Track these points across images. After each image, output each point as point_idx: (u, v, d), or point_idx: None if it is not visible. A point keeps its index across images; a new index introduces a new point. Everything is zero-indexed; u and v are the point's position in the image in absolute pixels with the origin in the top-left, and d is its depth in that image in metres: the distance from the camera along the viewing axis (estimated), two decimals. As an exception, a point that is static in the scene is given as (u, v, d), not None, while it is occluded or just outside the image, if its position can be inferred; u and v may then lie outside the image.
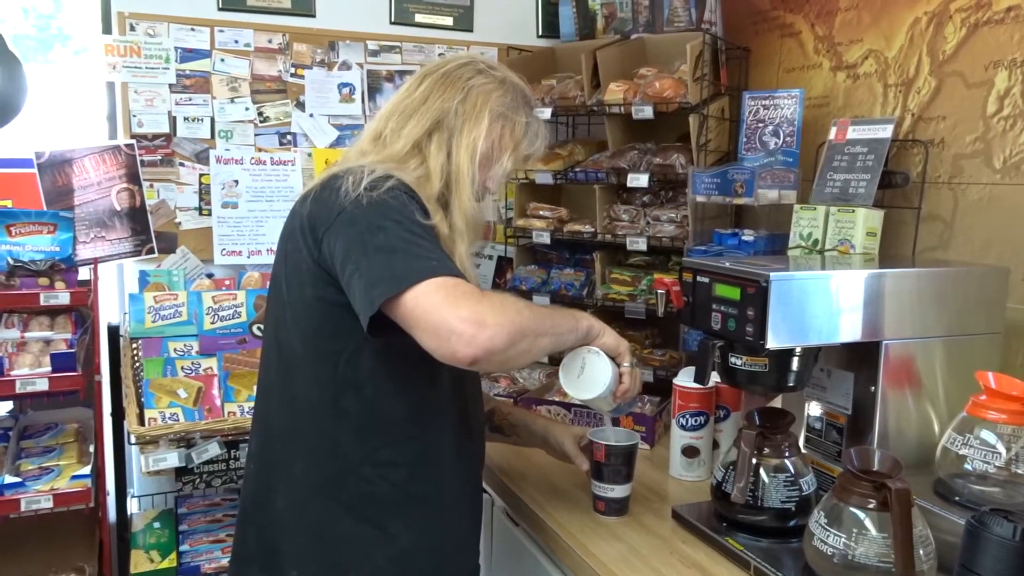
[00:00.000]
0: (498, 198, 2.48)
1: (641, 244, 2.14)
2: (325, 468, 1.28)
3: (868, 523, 1.13)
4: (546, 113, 2.28)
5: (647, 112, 2.09)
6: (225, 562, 2.08)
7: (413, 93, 1.35)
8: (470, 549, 1.42)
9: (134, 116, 2.32)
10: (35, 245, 2.13)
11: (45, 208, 2.19)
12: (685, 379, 1.65)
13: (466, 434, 1.39)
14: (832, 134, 1.83)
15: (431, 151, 1.30)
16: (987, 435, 1.22)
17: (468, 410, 1.40)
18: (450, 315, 1.08)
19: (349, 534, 1.28)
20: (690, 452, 1.65)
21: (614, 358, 1.33)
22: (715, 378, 1.49)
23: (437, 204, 1.28)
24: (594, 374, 1.32)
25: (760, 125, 2.02)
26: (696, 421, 1.64)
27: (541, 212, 2.41)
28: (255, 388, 2.05)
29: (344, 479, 1.28)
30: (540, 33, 2.73)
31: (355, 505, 1.28)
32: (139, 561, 2.08)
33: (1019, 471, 1.20)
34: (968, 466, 1.23)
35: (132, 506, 2.30)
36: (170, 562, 2.08)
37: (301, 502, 1.30)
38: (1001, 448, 1.21)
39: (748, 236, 1.94)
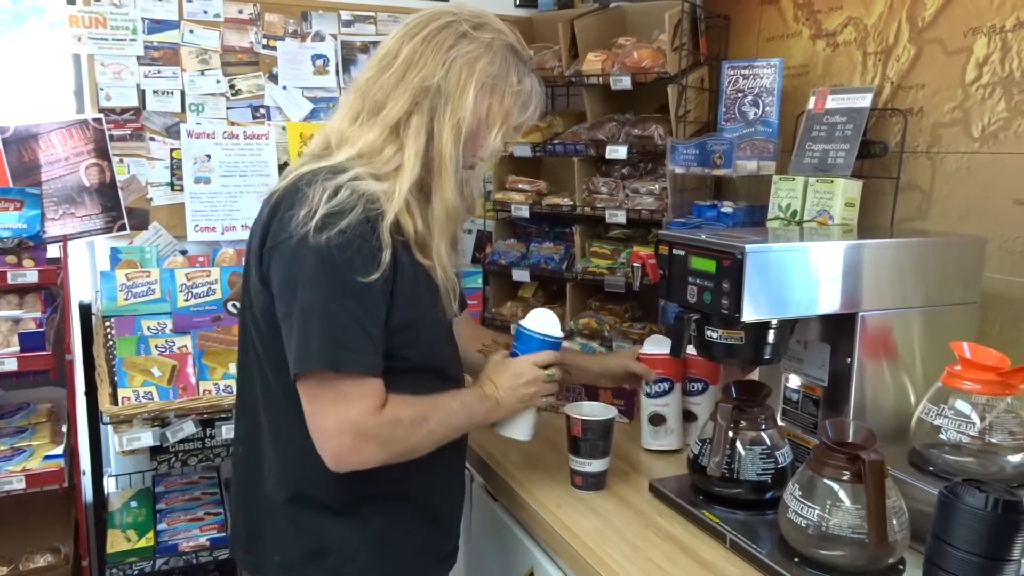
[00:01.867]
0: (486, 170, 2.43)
1: (620, 217, 2.12)
2: (301, 461, 1.26)
3: (842, 495, 1.13)
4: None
5: (625, 83, 2.07)
6: (204, 540, 2.07)
7: (391, 64, 1.24)
8: (448, 531, 1.41)
9: (101, 89, 2.26)
10: (1, 222, 2.08)
11: (11, 184, 2.13)
12: (651, 347, 1.65)
13: None
14: (811, 104, 1.81)
15: (409, 135, 1.21)
16: (962, 405, 1.22)
17: None
18: (331, 426, 1.16)
19: (326, 523, 1.28)
20: (656, 420, 1.65)
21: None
22: (690, 350, 1.48)
23: (419, 192, 1.23)
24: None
25: (739, 95, 1.99)
26: (660, 388, 1.63)
27: (520, 185, 2.38)
28: (234, 368, 2.04)
29: (316, 471, 1.23)
30: (518, 3, 2.68)
31: (328, 495, 1.27)
32: (116, 540, 2.06)
33: (993, 440, 1.20)
34: (943, 436, 1.23)
35: (109, 485, 2.27)
36: (147, 541, 2.06)
37: (280, 490, 1.29)
38: (975, 418, 1.20)
39: (727, 208, 1.92)
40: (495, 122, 1.28)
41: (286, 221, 1.16)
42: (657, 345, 1.64)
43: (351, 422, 1.15)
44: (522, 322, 1.43)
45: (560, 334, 1.43)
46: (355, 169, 1.19)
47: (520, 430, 1.43)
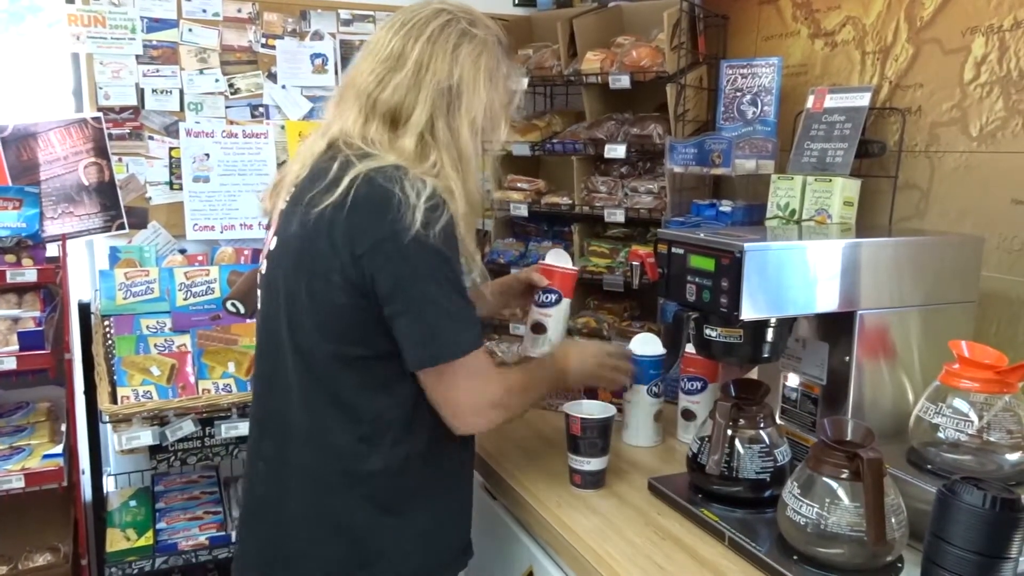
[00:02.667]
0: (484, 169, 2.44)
1: (619, 216, 2.13)
2: (347, 465, 1.27)
3: (841, 493, 1.13)
4: (523, 83, 2.24)
5: (624, 82, 2.07)
6: (203, 539, 2.07)
7: (399, 65, 1.25)
8: (468, 523, 1.43)
9: (100, 88, 2.26)
10: (0, 221, 2.08)
11: (10, 183, 2.13)
12: (551, 259, 1.65)
13: None
14: (810, 103, 1.82)
15: (439, 138, 1.25)
16: (960, 403, 1.22)
17: None
18: (467, 402, 1.25)
19: (374, 525, 1.28)
20: (537, 328, 1.62)
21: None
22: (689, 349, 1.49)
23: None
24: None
25: (738, 94, 2.00)
26: (548, 298, 1.61)
27: (519, 184, 2.38)
28: (233, 368, 2.04)
29: (366, 474, 1.27)
30: (517, 2, 2.68)
31: (377, 496, 1.28)
32: (115, 539, 2.06)
33: (991, 439, 1.21)
34: (941, 435, 1.23)
35: (108, 484, 2.27)
36: (147, 540, 2.06)
37: (320, 501, 1.29)
38: (973, 416, 1.21)
39: (726, 207, 1.92)
40: (500, 114, 1.34)
41: (387, 222, 1.16)
42: (556, 258, 1.65)
43: (483, 393, 1.26)
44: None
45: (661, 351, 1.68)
46: (414, 170, 1.22)
47: (645, 437, 1.68)
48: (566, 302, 1.61)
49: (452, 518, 1.38)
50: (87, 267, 2.32)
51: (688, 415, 1.71)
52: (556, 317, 1.61)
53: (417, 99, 1.25)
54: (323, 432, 1.28)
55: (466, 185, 1.26)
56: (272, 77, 2.44)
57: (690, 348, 1.55)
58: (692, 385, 1.69)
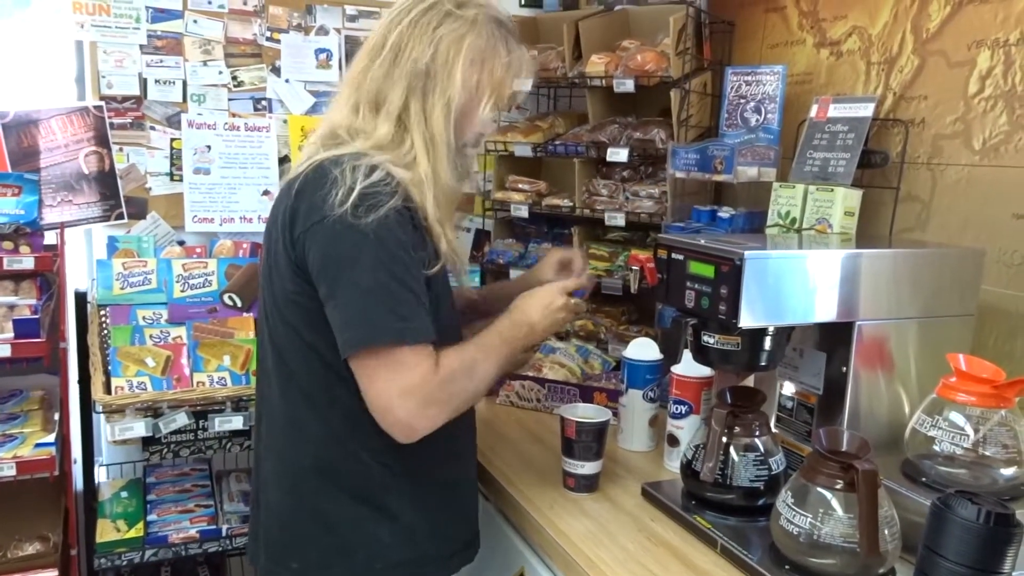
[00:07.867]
0: (478, 170, 2.44)
1: (619, 219, 2.12)
2: (321, 453, 1.27)
3: (835, 503, 1.13)
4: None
5: (628, 85, 2.06)
6: (194, 532, 2.06)
7: (381, 52, 1.26)
8: (468, 519, 1.42)
9: (103, 77, 2.25)
10: (-2, 208, 2.07)
11: (9, 169, 2.12)
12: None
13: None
14: (813, 112, 1.81)
15: (412, 122, 1.24)
16: (956, 417, 1.22)
17: None
18: (398, 404, 1.15)
19: (350, 516, 1.27)
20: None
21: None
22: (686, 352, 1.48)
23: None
24: None
25: (742, 101, 1.99)
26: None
27: (520, 185, 2.38)
28: (228, 361, 2.04)
29: (340, 462, 1.27)
30: (523, 3, 2.67)
31: (352, 487, 1.27)
32: (105, 530, 2.05)
33: (986, 453, 1.20)
34: (936, 447, 1.23)
35: (100, 475, 2.27)
36: (137, 531, 2.05)
37: (297, 488, 1.29)
38: (969, 430, 1.21)
39: (726, 213, 1.92)
40: (484, 94, 1.29)
41: (318, 202, 1.16)
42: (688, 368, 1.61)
43: (413, 389, 1.15)
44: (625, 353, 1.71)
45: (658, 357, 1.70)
46: (379, 156, 1.21)
47: (640, 442, 1.70)
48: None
49: (442, 512, 1.35)
50: (85, 256, 2.31)
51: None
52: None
53: (393, 82, 1.24)
54: (296, 421, 1.28)
55: (436, 168, 1.23)
56: (276, 71, 2.43)
57: (685, 358, 1.52)
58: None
